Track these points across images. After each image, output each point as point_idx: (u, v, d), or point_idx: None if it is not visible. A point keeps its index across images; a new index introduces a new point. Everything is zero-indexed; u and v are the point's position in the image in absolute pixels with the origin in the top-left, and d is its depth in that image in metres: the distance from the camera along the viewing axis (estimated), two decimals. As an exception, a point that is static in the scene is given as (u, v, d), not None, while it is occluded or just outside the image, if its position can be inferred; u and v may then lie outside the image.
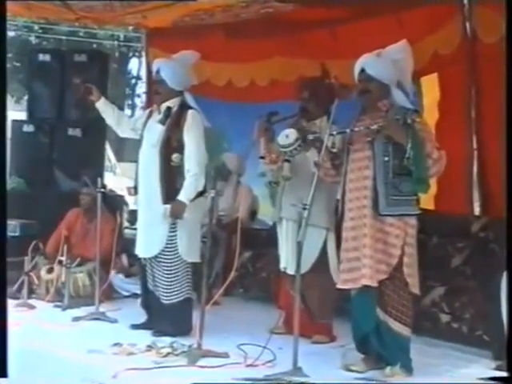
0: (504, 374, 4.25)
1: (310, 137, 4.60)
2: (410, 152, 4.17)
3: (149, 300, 5.35)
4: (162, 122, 5.19)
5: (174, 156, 5.11)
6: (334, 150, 4.54)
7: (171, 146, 5.14)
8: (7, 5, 3.52)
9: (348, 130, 4.43)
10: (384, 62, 4.43)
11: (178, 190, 5.09)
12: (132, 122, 5.54)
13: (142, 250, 5.29)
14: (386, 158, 4.29)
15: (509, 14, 3.43)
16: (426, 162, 4.23)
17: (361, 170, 4.37)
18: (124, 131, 5.56)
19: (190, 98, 5.28)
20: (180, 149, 5.13)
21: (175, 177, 5.13)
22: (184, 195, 5.07)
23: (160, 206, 5.11)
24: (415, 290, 4.35)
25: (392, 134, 4.25)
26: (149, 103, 7.91)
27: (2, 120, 3.45)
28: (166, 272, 5.16)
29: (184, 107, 5.22)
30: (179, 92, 5.26)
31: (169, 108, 5.21)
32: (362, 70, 4.44)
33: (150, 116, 5.38)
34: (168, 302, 5.17)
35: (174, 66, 5.29)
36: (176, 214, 5.07)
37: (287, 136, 4.61)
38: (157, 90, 5.35)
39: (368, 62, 4.44)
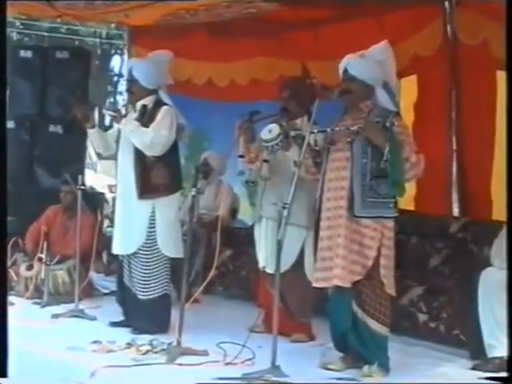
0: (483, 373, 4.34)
1: (292, 133, 4.61)
2: (388, 155, 4.18)
3: (125, 296, 5.36)
4: (138, 119, 5.21)
5: None
6: (317, 148, 4.56)
7: None
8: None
9: (329, 129, 4.45)
10: (367, 62, 4.44)
11: (153, 185, 5.13)
12: (114, 140, 5.44)
13: (119, 248, 5.28)
14: (365, 160, 4.30)
15: (509, 14, 3.45)
16: (404, 165, 4.24)
17: (339, 170, 4.38)
18: (109, 152, 5.56)
19: (164, 96, 5.30)
20: None
21: (150, 172, 5.15)
22: (129, 122, 5.13)
23: (136, 202, 5.13)
24: (390, 290, 4.36)
25: (370, 137, 4.27)
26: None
27: (2, 120, 3.43)
28: (143, 267, 5.17)
29: (158, 104, 5.24)
30: (153, 90, 5.28)
31: (144, 106, 5.24)
32: (346, 71, 4.46)
33: (125, 115, 5.38)
34: (145, 297, 5.18)
35: (146, 65, 5.32)
36: (112, 116, 5.24)
37: (270, 131, 4.63)
38: (130, 88, 5.37)
39: (351, 63, 4.45)
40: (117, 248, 5.31)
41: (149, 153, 5.11)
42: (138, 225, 5.16)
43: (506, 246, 3.51)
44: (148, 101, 5.25)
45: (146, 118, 5.19)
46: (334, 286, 4.34)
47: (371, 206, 4.29)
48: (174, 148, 5.23)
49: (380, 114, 4.35)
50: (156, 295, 5.18)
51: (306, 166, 4.52)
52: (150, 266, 5.17)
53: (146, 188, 5.14)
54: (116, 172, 5.36)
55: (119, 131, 5.33)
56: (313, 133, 4.48)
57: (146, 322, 5.14)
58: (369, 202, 4.29)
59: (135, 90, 5.29)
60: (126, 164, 5.21)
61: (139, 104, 5.26)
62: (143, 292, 5.18)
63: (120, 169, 5.30)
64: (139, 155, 5.15)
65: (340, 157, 4.39)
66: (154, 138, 5.08)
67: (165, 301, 5.23)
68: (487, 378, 4.13)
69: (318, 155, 4.53)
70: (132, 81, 5.30)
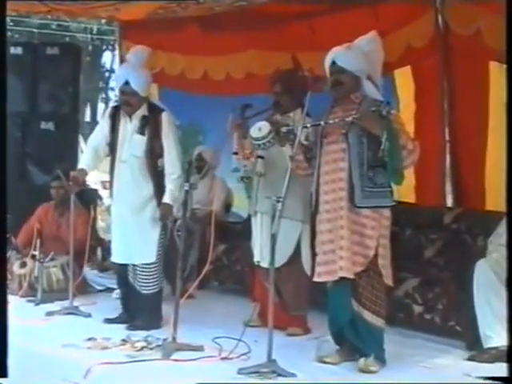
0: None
1: (283, 129, 4.60)
2: (386, 143, 4.17)
3: (127, 293, 5.35)
4: (141, 132, 5.17)
5: (159, 161, 5.18)
6: (306, 143, 4.55)
7: (155, 153, 5.17)
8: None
9: (322, 123, 4.44)
10: (354, 53, 4.44)
11: (164, 190, 5.17)
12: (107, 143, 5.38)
13: (135, 257, 5.23)
14: (360, 150, 4.30)
15: (509, 13, 3.43)
16: (401, 153, 4.24)
17: (336, 162, 4.37)
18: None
19: (152, 98, 5.33)
20: (162, 153, 5.18)
21: (162, 180, 5.18)
22: (170, 197, 5.15)
23: (153, 211, 5.16)
24: (388, 281, 4.37)
25: (367, 126, 4.25)
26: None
27: (2, 117, 3.40)
28: (148, 264, 5.18)
29: (154, 110, 5.20)
30: (146, 96, 5.24)
31: (144, 117, 5.18)
32: (334, 63, 4.44)
33: (115, 121, 5.27)
34: (147, 292, 5.20)
35: (141, 73, 5.20)
36: (165, 216, 5.18)
37: (260, 129, 4.62)
38: (128, 101, 5.17)
39: (339, 54, 4.44)
40: (130, 258, 5.25)
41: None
42: (152, 233, 5.19)
43: (506, 239, 3.47)
44: (144, 109, 5.20)
45: (148, 129, 5.15)
46: (335, 279, 4.33)
47: (370, 196, 4.29)
48: None
49: (372, 104, 4.33)
50: (157, 289, 5.22)
51: (297, 162, 4.50)
52: (155, 262, 5.20)
53: (162, 196, 5.17)
54: (111, 184, 5.33)
55: (113, 138, 5.27)
56: (306, 127, 4.47)
57: (143, 316, 5.16)
58: (367, 191, 4.29)
59: (135, 102, 5.17)
60: (137, 177, 5.17)
61: (138, 115, 5.19)
62: (146, 287, 5.20)
63: (127, 182, 5.23)
64: (152, 168, 5.17)
65: (335, 149, 4.38)
66: (180, 164, 5.15)
67: (160, 295, 5.29)
68: (488, 378, 4.11)
69: (308, 150, 4.52)
70: (130, 93, 5.14)
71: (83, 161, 5.51)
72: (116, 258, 5.35)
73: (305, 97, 4.59)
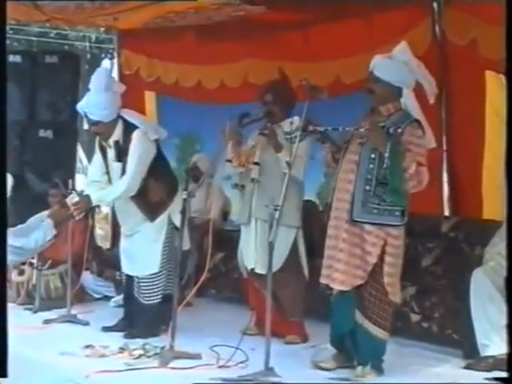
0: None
1: (310, 128, 4.55)
2: (388, 162, 4.13)
3: (129, 303, 5.34)
4: (117, 159, 5.11)
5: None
6: (338, 144, 4.48)
7: None
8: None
9: (340, 129, 4.42)
10: (393, 63, 4.36)
11: (153, 205, 5.12)
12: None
13: (140, 269, 5.20)
14: (371, 166, 4.25)
15: (509, 13, 3.45)
16: (402, 174, 4.17)
17: (348, 173, 4.33)
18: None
19: (128, 116, 5.16)
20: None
21: (147, 194, 5.13)
22: (98, 197, 5.03)
23: (147, 225, 5.13)
24: (394, 298, 4.34)
25: (373, 141, 4.22)
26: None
27: (2, 121, 3.41)
28: (151, 274, 5.17)
29: (128, 130, 5.08)
30: (117, 117, 5.13)
31: (117, 142, 5.10)
32: (372, 71, 4.38)
33: (103, 150, 5.23)
34: (149, 302, 5.18)
35: (97, 102, 5.06)
36: (79, 209, 5.00)
37: (291, 123, 4.69)
38: (96, 131, 5.14)
39: (377, 63, 4.38)
40: (136, 270, 5.23)
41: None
42: (156, 246, 5.15)
43: (506, 245, 3.48)
44: (118, 134, 5.10)
45: (123, 153, 5.06)
46: (331, 284, 4.33)
47: (374, 213, 4.23)
48: (158, 160, 5.17)
49: (397, 119, 4.28)
50: (159, 299, 5.19)
51: (327, 162, 4.51)
52: (156, 272, 5.17)
53: (151, 209, 5.13)
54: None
55: (107, 167, 5.24)
56: (326, 129, 4.43)
57: (145, 325, 5.14)
58: (372, 208, 4.23)
59: (102, 130, 5.11)
60: (128, 200, 5.13)
61: (111, 141, 5.12)
62: (149, 297, 5.18)
63: (117, 203, 5.26)
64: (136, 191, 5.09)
65: (350, 159, 4.34)
66: (134, 181, 5.01)
67: (162, 304, 5.20)
68: (488, 379, 4.11)
69: (337, 151, 4.47)
70: (94, 123, 5.10)
71: (87, 189, 5.29)
72: (124, 269, 5.36)
73: (293, 106, 4.64)
